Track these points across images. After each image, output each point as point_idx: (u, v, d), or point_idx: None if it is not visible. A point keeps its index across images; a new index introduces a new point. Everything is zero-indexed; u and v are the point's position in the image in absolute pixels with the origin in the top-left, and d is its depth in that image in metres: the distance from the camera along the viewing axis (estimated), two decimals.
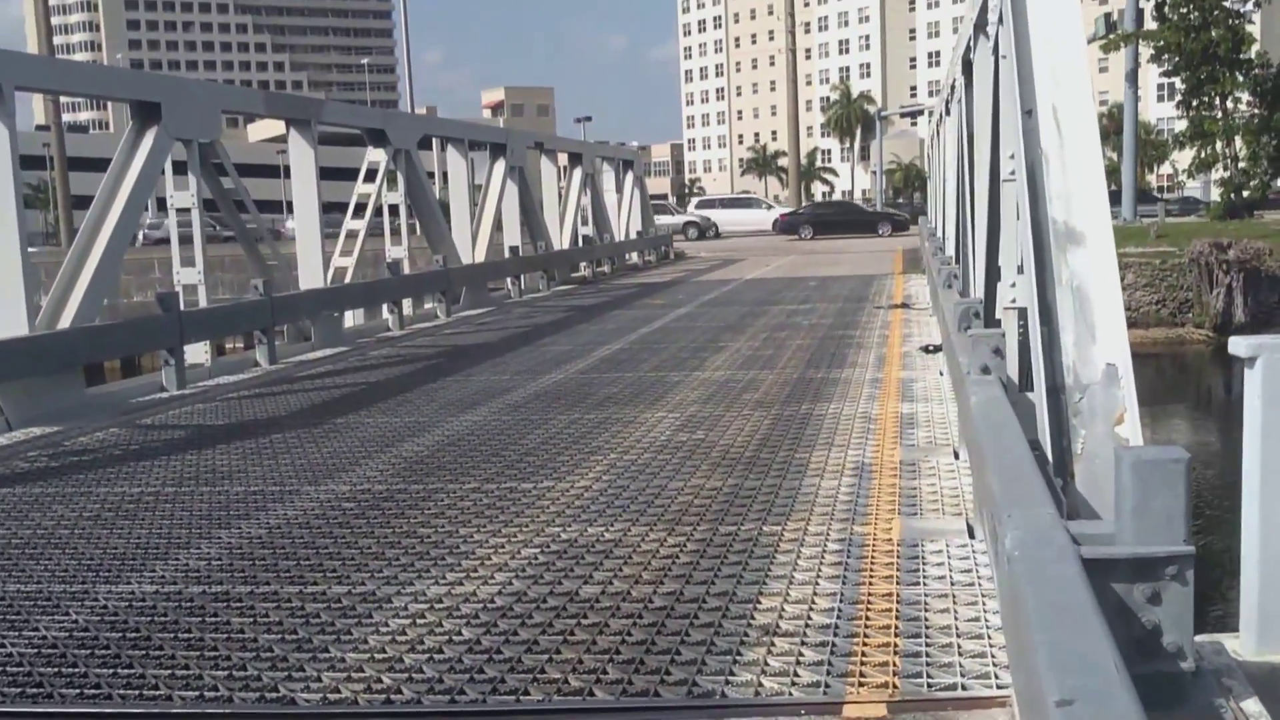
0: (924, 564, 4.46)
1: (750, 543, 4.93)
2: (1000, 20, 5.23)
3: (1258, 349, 2.86)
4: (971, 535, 4.80)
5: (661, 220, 45.61)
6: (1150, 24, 33.73)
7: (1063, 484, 3.80)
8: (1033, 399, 4.56)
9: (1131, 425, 3.84)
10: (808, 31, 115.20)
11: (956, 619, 3.82)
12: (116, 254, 10.55)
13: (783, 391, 9.01)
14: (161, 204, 12.18)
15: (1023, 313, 5.66)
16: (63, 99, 47.04)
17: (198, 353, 11.29)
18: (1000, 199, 5.99)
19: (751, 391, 9.06)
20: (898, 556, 4.58)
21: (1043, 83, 4.64)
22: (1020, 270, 5.60)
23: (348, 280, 15.12)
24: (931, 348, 10.69)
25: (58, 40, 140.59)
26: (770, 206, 51.93)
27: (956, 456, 6.34)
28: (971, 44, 7.40)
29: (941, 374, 9.27)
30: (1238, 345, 2.85)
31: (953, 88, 11.02)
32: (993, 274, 6.74)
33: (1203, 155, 33.19)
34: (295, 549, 5.22)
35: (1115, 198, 40.08)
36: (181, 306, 10.80)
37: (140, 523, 5.82)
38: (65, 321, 9.69)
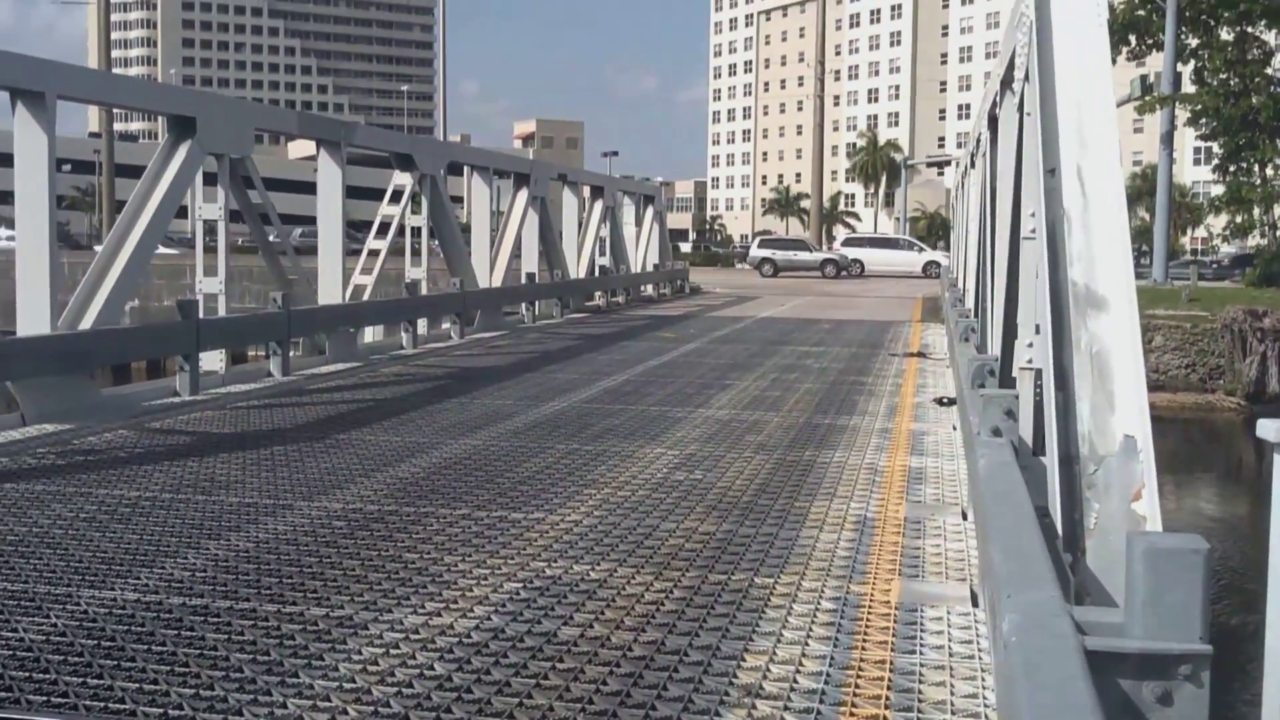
0: (922, 631, 4.29)
1: (740, 594, 4.78)
2: (1026, 77, 5.13)
3: None
4: (975, 603, 4.63)
5: (799, 256, 44.90)
6: (1188, 87, 33.66)
7: (1072, 560, 3.64)
8: (1045, 463, 4.41)
9: (1149, 503, 3.68)
10: (837, 79, 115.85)
11: (952, 694, 3.65)
12: (142, 260, 10.67)
13: (787, 435, 8.86)
14: (184, 212, 12.24)
15: (1038, 374, 5.52)
16: (116, 110, 48.08)
17: (214, 360, 11.31)
18: (1020, 256, 5.87)
19: (755, 433, 8.92)
20: (894, 621, 4.42)
21: (1068, 142, 4.53)
22: (1038, 330, 5.48)
23: (366, 298, 15.12)
24: (946, 400, 10.53)
25: (116, 54, 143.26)
26: (921, 249, 48.00)
27: (965, 517, 6.17)
28: (998, 99, 7.32)
29: (954, 428, 9.11)
30: (1267, 429, 2.70)
31: (978, 142, 10.94)
32: (1010, 331, 6.60)
33: (1239, 221, 32.96)
34: (279, 565, 5.12)
35: (1145, 258, 39.81)
36: (201, 314, 10.81)
37: (133, 528, 5.75)
38: (87, 323, 9.77)
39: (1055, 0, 4.84)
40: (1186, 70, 33.20)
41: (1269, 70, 32.93)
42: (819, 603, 4.69)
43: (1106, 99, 4.47)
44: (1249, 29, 32.50)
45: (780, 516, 6.19)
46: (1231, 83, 32.51)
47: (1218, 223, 33.72)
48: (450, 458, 7.75)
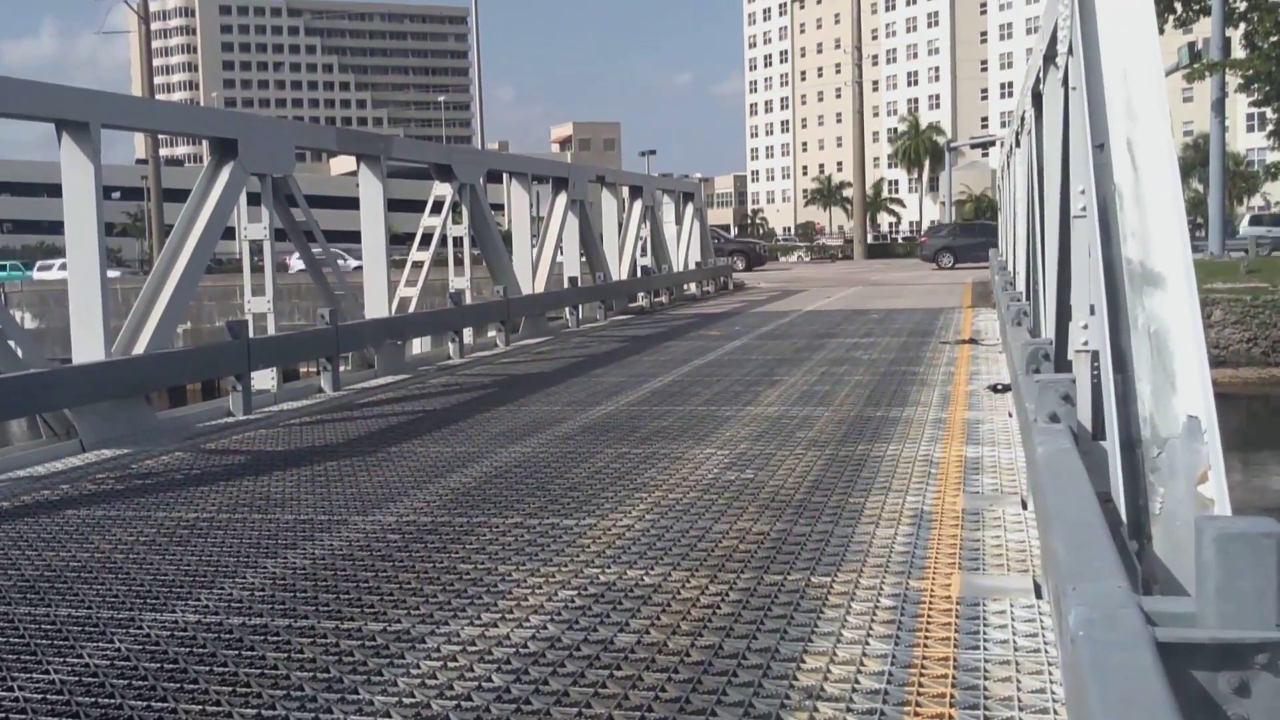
0: (985, 625, 4.19)
1: (797, 594, 4.71)
2: (1070, 51, 5.00)
3: None
4: (1039, 595, 4.51)
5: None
6: (1238, 52, 32.80)
7: (1138, 548, 3.52)
8: (1106, 448, 4.29)
9: (1217, 485, 3.56)
10: (875, 64, 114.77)
11: (1019, 690, 3.55)
12: (191, 283, 10.83)
13: (839, 430, 8.75)
14: (231, 233, 12.43)
15: (1095, 356, 5.38)
16: (162, 136, 49.30)
17: (265, 379, 11.45)
18: (1071, 235, 5.72)
19: (805, 429, 8.82)
20: (956, 616, 4.32)
21: (1116, 116, 4.39)
22: (1092, 311, 5.33)
23: (412, 309, 15.23)
24: (1000, 387, 10.34)
25: (159, 80, 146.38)
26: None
27: (1025, 506, 6.04)
28: (1041, 76, 7.15)
29: (1010, 416, 8.93)
30: None
31: (1022, 120, 10.72)
32: (1064, 313, 6.45)
33: None
34: (336, 581, 5.14)
35: (1200, 230, 38.73)
36: (250, 334, 10.95)
37: (192, 549, 5.82)
38: (140, 347, 9.93)
39: None
40: (1236, 34, 32.38)
41: None
42: (878, 600, 4.60)
43: (1155, 68, 4.33)
44: None
45: (835, 513, 6.10)
46: None
47: (1276, 189, 32.86)
48: (501, 466, 7.75)
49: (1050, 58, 6.32)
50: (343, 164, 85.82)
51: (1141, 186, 4.22)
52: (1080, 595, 2.38)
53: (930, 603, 4.54)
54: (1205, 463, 3.72)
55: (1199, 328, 3.92)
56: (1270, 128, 33.53)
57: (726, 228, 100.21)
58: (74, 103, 9.25)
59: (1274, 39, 31.78)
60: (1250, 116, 64.48)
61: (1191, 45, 32.63)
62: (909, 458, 7.58)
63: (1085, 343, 5.33)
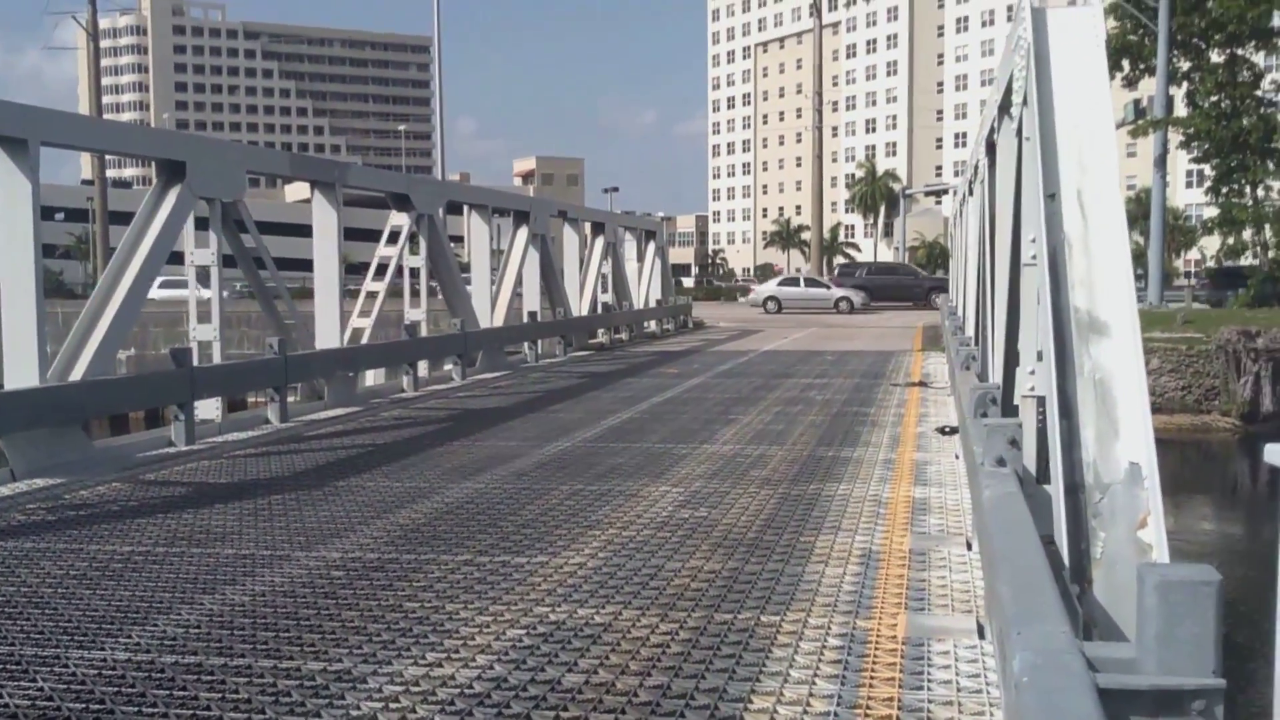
0: (929, 666, 4.19)
1: (746, 633, 4.68)
2: (1024, 102, 5.10)
3: None
4: (982, 635, 4.53)
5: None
6: (1180, 110, 33.78)
7: (1079, 591, 3.55)
8: (1050, 492, 4.33)
9: (1156, 530, 3.60)
10: (835, 110, 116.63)
11: None
12: (133, 309, 10.58)
13: (791, 469, 8.77)
14: (178, 258, 12.23)
15: (1041, 401, 5.45)
16: (111, 157, 48.40)
17: (210, 408, 11.23)
18: (1021, 283, 5.81)
19: (759, 468, 8.83)
20: (901, 657, 4.32)
21: (1067, 167, 4.49)
22: (1039, 357, 5.41)
23: (364, 341, 15.08)
24: (948, 429, 10.43)
25: (108, 100, 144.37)
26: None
27: (969, 547, 6.08)
28: (995, 125, 7.29)
29: (957, 457, 9.02)
30: (1275, 453, 2.64)
31: (976, 168, 10.92)
32: (1011, 359, 6.53)
33: (1231, 242, 33.03)
34: (277, 619, 5.03)
35: (1140, 280, 39.77)
36: (195, 362, 10.74)
37: (125, 584, 5.66)
38: (78, 373, 9.67)
39: (1053, 24, 4.82)
40: (1179, 93, 33.37)
41: (1259, 92, 33.11)
42: (825, 640, 4.59)
43: (1106, 123, 4.44)
44: (1238, 51, 32.71)
45: (785, 552, 6.10)
46: (1223, 105, 32.69)
47: (1211, 244, 33.78)
48: (452, 502, 7.66)
49: (1005, 108, 6.46)
50: (297, 190, 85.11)
51: (1090, 237, 4.30)
52: (1025, 640, 2.38)
53: (876, 643, 4.54)
54: (1145, 508, 3.77)
55: (1142, 376, 3.99)
56: (1209, 184, 34.52)
57: (686, 267, 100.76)
58: (11, 118, 8.98)
59: (1214, 99, 32.80)
60: (1189, 173, 66.40)
61: (1136, 102, 33.57)
62: (859, 497, 7.61)
63: (1032, 388, 5.41)
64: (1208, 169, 33.86)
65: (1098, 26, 4.92)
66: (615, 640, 4.63)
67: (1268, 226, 32.74)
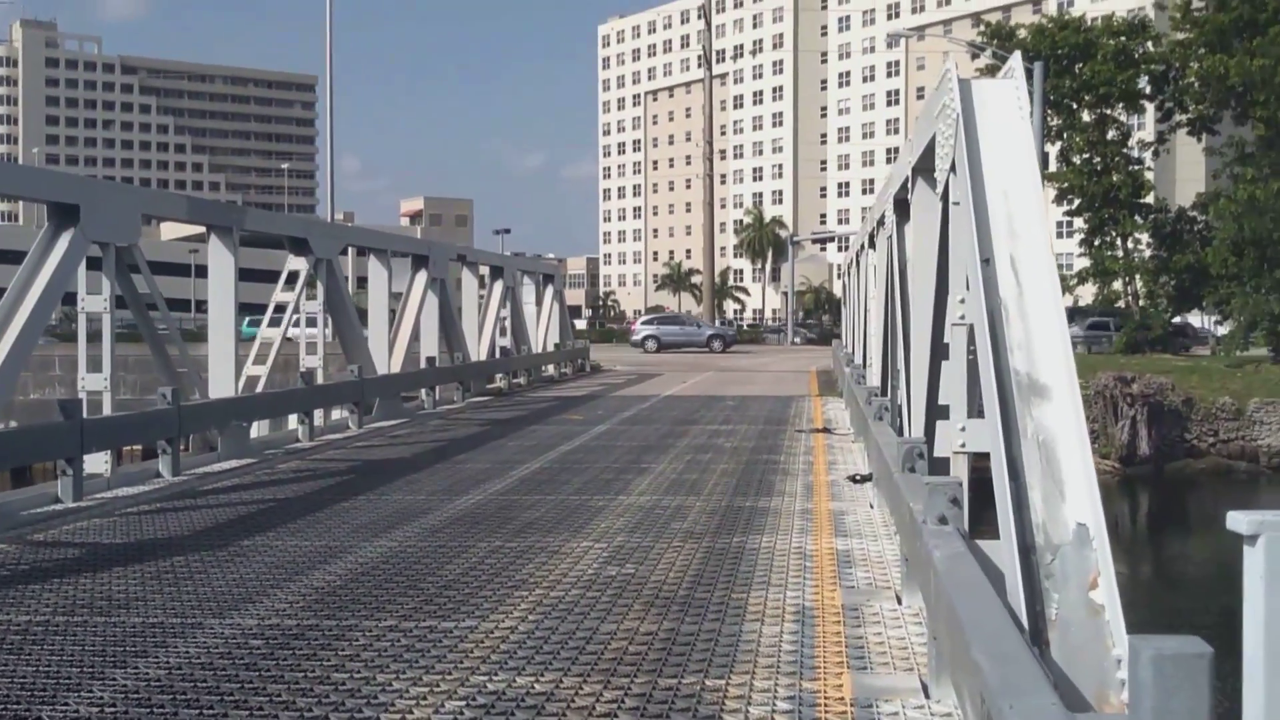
0: None
1: (693, 699, 4.62)
2: (953, 169, 5.26)
3: (1260, 526, 2.74)
4: (927, 694, 4.57)
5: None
6: (1054, 166, 35.57)
7: (1039, 653, 3.60)
8: (984, 546, 4.41)
9: (1107, 591, 3.69)
10: (723, 158, 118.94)
11: None
12: (21, 357, 10.02)
13: (712, 521, 8.77)
14: (69, 299, 11.63)
15: (972, 457, 5.57)
16: None
17: (97, 462, 10.65)
18: (947, 341, 5.95)
19: (679, 520, 8.81)
20: (852, 719, 4.32)
21: (999, 233, 4.63)
22: (970, 414, 5.53)
23: (260, 389, 14.56)
24: (859, 478, 10.60)
25: None
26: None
27: (900, 602, 6.15)
28: (909, 185, 7.50)
29: (872, 507, 9.16)
30: (1237, 522, 2.73)
31: (880, 222, 11.22)
32: (933, 412, 6.67)
33: (1104, 292, 34.72)
34: (198, 695, 4.75)
35: None
36: (85, 414, 10.19)
37: (25, 658, 5.30)
38: None
39: (978, 95, 4.98)
40: (1053, 150, 35.12)
41: (1126, 149, 35.09)
42: (774, 704, 4.56)
43: (1034, 191, 4.59)
44: (1108, 111, 34.64)
45: (720, 610, 6.06)
46: (1095, 161, 34.52)
47: (1085, 293, 35.49)
48: (367, 562, 7.40)
49: (924, 170, 6.64)
50: (174, 229, 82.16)
51: (1025, 301, 4.43)
52: (1020, 714, 2.39)
53: (825, 705, 4.53)
54: (1095, 569, 3.86)
55: (1084, 437, 4.10)
56: (1081, 236, 36.35)
57: (578, 309, 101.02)
58: None
59: (1085, 155, 34.65)
60: (1060, 224, 69.63)
61: None
62: (783, 550, 7.64)
63: (963, 444, 5.52)
64: (1080, 221, 35.64)
65: (1022, 97, 5.12)
66: (560, 710, 4.51)
67: (1138, 277, 34.54)
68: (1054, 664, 3.64)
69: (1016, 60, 5.42)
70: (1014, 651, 2.91)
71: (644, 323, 51.37)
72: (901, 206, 8.58)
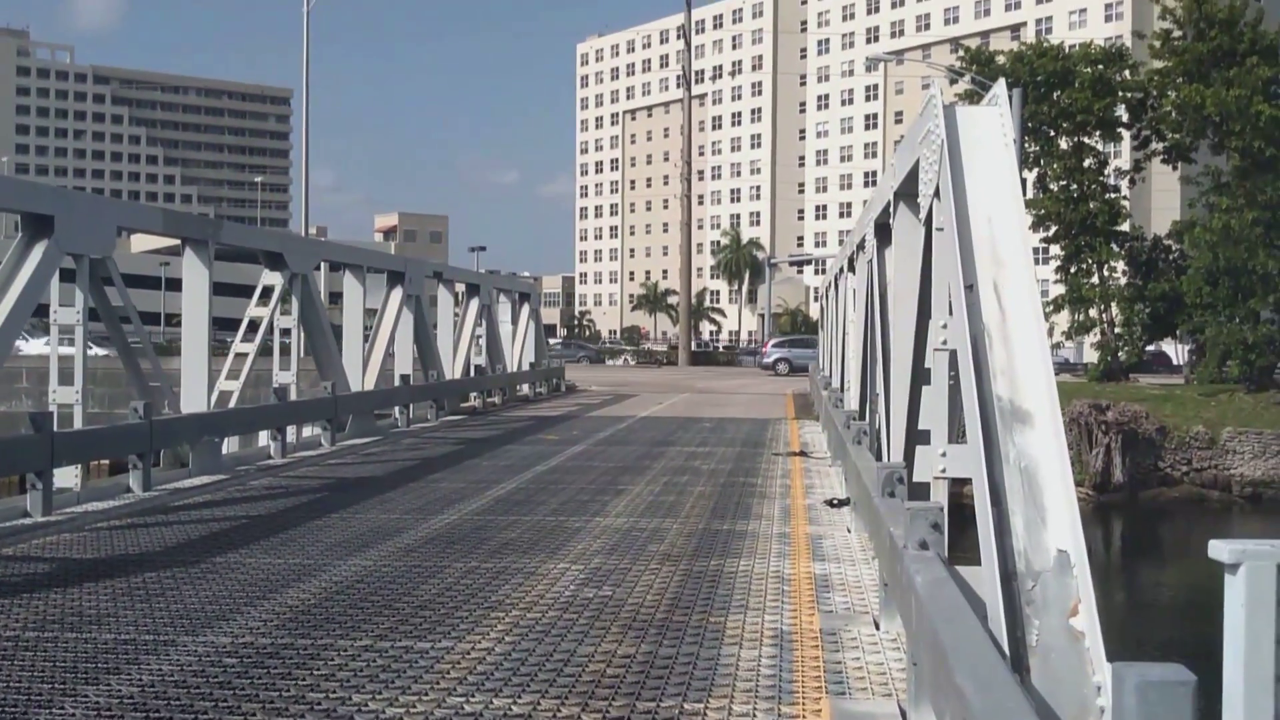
0: None
1: None
2: (937, 194, 5.30)
3: (1241, 555, 2.77)
4: None
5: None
6: (1030, 193, 35.89)
7: (1020, 680, 3.60)
8: (964, 572, 4.42)
9: (1087, 618, 3.70)
10: (701, 179, 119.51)
11: None
12: None
13: (689, 544, 8.75)
14: (41, 311, 11.51)
15: (952, 482, 5.58)
16: None
17: (67, 476, 10.53)
18: (928, 366, 5.98)
19: (657, 543, 8.78)
20: None
21: (983, 259, 4.66)
22: (951, 439, 5.55)
23: (233, 404, 14.43)
24: (836, 502, 10.61)
25: None
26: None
27: (877, 627, 6.15)
28: (891, 209, 7.55)
29: (849, 531, 9.17)
30: (1219, 550, 2.76)
31: (860, 246, 11.28)
32: (913, 437, 6.70)
33: (1080, 319, 34.97)
34: (171, 712, 4.68)
35: None
36: (55, 427, 10.06)
37: None
38: None
39: (963, 121, 5.03)
40: (1030, 177, 35.45)
41: (1102, 177, 35.46)
42: None
43: (1018, 217, 4.63)
44: (1084, 139, 35.01)
45: (698, 633, 6.04)
46: (1071, 189, 34.86)
47: (1060, 320, 35.81)
48: (341, 581, 7.33)
49: (907, 195, 6.69)
50: (145, 241, 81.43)
51: (1008, 327, 4.46)
52: None
53: None
54: (1076, 596, 3.87)
55: (1066, 463, 4.12)
56: (1058, 263, 36.69)
57: (554, 328, 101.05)
58: None
59: (1062, 182, 35.01)
60: (1037, 250, 70.49)
61: None
62: (761, 574, 7.63)
63: (944, 469, 5.53)
64: (1057, 248, 35.91)
65: (1007, 124, 5.17)
66: None
67: (1113, 305, 34.84)
68: (1035, 690, 3.64)
69: (1001, 88, 5.48)
70: (996, 678, 2.91)
71: (775, 345, 50.90)
72: (883, 231, 8.64)
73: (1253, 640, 2.77)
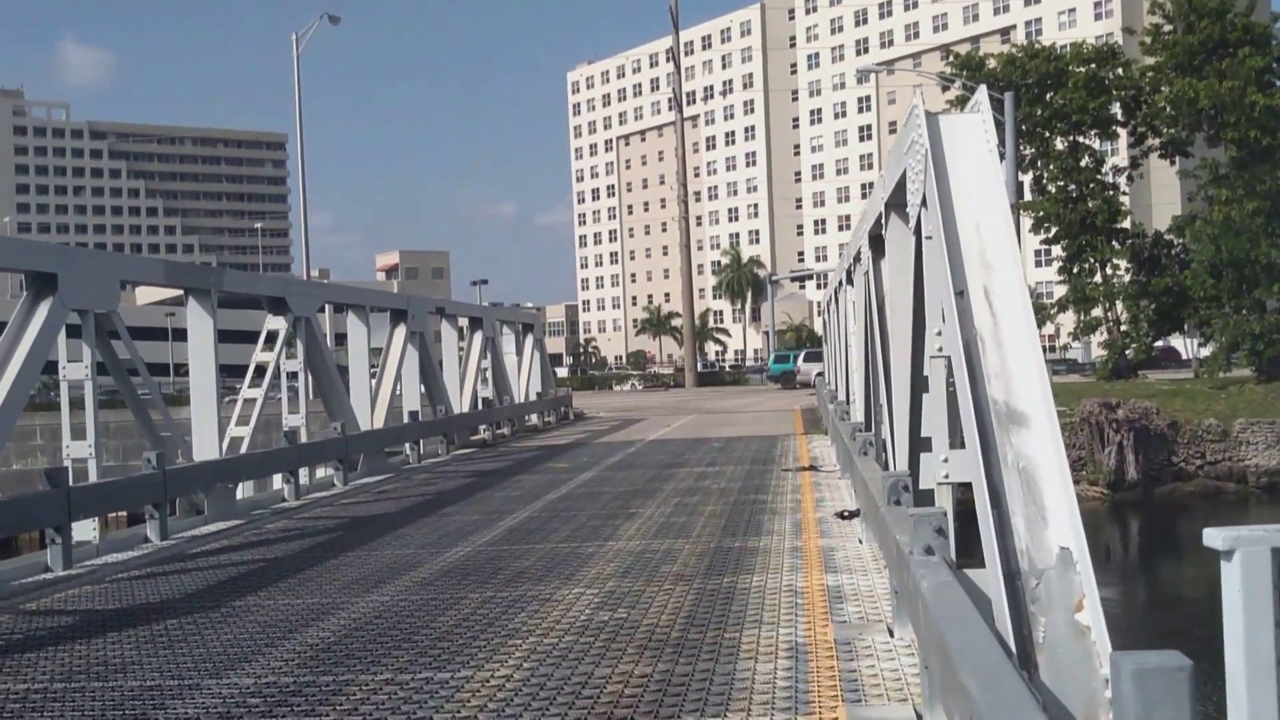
0: None
1: None
2: (924, 203, 5.40)
3: (1235, 542, 2.84)
4: None
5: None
6: (1029, 195, 36.00)
7: (1028, 677, 3.67)
8: (971, 575, 4.48)
9: (1092, 613, 3.77)
10: (698, 200, 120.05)
11: None
12: (6, 429, 10.02)
13: (702, 563, 8.80)
14: (49, 368, 11.64)
15: (955, 487, 5.65)
16: None
17: (85, 529, 10.63)
18: (926, 374, 6.06)
19: (670, 563, 8.84)
20: None
21: (972, 265, 4.75)
22: (952, 445, 5.63)
23: (244, 450, 14.54)
24: (847, 514, 10.65)
25: None
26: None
27: (891, 634, 6.19)
28: (883, 220, 7.66)
29: (861, 542, 9.22)
30: (1214, 538, 2.82)
31: (857, 258, 11.38)
32: (917, 445, 6.77)
33: (1085, 318, 34.95)
34: None
35: None
36: (71, 482, 10.17)
37: None
38: None
39: (946, 129, 5.13)
40: (1026, 179, 35.57)
41: (1100, 176, 35.53)
42: None
43: (1005, 222, 4.72)
44: (1080, 139, 35.10)
45: (713, 650, 6.09)
46: (1070, 189, 34.94)
47: (1065, 321, 35.81)
48: (360, 617, 7.40)
49: (897, 205, 6.79)
50: (150, 293, 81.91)
51: (1000, 331, 4.54)
52: None
53: None
54: (1079, 591, 3.94)
55: (1064, 463, 4.19)
56: (1059, 264, 36.73)
57: (559, 357, 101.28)
58: None
59: (1060, 183, 35.13)
60: (1038, 252, 70.46)
61: None
62: (774, 588, 7.68)
63: (946, 475, 5.60)
64: (1058, 249, 35.97)
65: (989, 130, 5.27)
66: None
67: (1118, 303, 34.84)
68: (1043, 686, 3.70)
69: (982, 94, 5.59)
70: (1001, 675, 2.97)
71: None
72: (876, 242, 8.74)
73: (1251, 626, 2.83)
